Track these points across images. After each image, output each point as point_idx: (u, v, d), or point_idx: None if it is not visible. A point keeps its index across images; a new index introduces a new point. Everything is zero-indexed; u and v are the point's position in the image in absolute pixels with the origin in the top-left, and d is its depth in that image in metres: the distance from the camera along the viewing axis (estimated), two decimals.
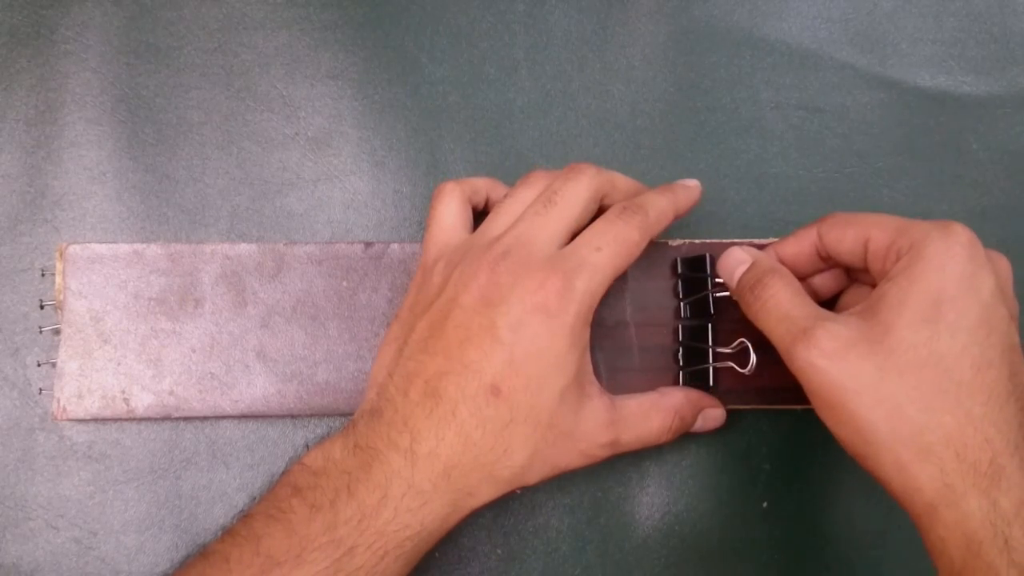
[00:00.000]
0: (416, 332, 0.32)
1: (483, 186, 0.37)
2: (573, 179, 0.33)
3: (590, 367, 0.33)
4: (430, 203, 0.36)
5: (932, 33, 0.44)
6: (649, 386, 0.37)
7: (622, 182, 0.35)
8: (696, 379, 0.36)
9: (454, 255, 0.33)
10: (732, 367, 0.36)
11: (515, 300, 0.30)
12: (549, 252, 0.32)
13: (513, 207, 0.34)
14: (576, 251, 0.32)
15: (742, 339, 0.37)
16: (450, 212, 0.35)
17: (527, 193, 0.34)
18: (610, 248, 0.32)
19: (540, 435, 0.31)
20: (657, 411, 0.34)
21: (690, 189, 0.36)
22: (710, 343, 0.36)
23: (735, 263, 0.34)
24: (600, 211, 0.34)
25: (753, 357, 0.36)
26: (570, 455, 0.32)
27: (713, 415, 0.36)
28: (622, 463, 0.39)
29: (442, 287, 0.32)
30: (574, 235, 0.33)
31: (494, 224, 0.34)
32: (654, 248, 0.38)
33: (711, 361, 0.36)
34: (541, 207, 0.33)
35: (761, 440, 0.39)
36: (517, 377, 0.30)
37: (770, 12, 0.43)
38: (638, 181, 0.36)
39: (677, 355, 0.37)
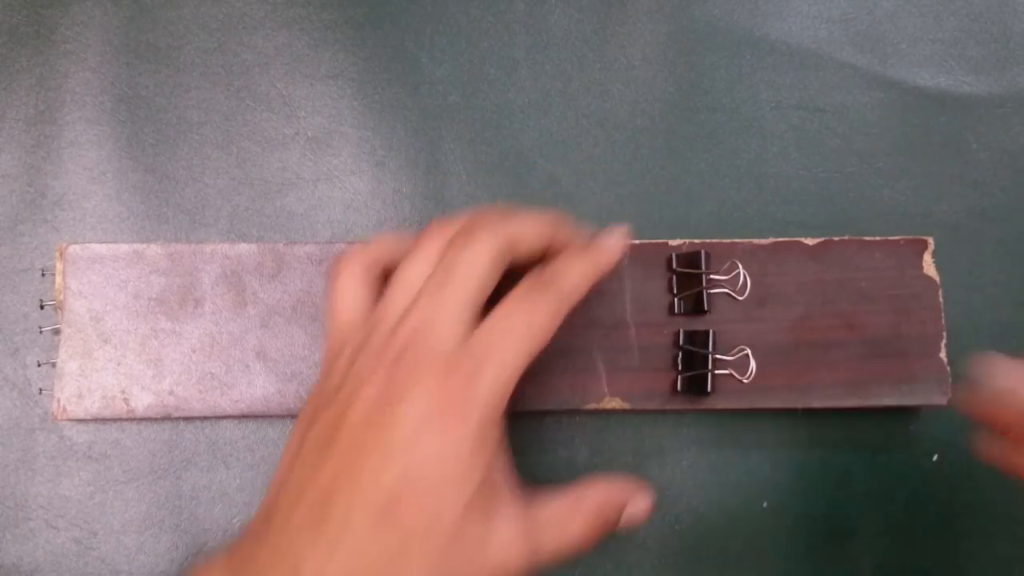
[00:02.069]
0: (313, 431, 0.29)
1: (386, 249, 0.33)
2: (469, 245, 0.30)
3: (502, 467, 0.30)
4: (330, 278, 0.33)
5: (932, 33, 0.44)
6: (648, 386, 0.37)
7: (529, 231, 0.31)
8: (694, 384, 0.36)
9: (354, 345, 0.30)
10: (731, 373, 0.36)
11: (412, 405, 0.28)
12: (451, 343, 0.29)
13: (410, 279, 0.31)
14: (479, 342, 0.29)
15: (743, 346, 0.37)
16: (348, 290, 0.32)
17: (420, 265, 0.31)
18: (517, 334, 0.29)
19: (439, 555, 0.27)
20: (577, 514, 0.30)
21: (612, 248, 0.33)
22: (711, 348, 0.36)
23: None
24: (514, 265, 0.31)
25: (753, 365, 0.37)
26: (480, 574, 0.28)
27: (638, 511, 0.32)
28: (621, 462, 0.39)
29: (340, 386, 0.29)
30: (483, 304, 0.30)
31: (391, 306, 0.31)
32: (655, 249, 0.38)
33: (711, 367, 0.36)
34: (436, 287, 0.29)
35: (761, 440, 0.39)
36: (414, 493, 0.27)
37: (770, 12, 0.43)
38: (548, 218, 0.32)
39: (677, 359, 0.37)
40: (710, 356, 0.36)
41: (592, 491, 0.31)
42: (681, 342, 0.37)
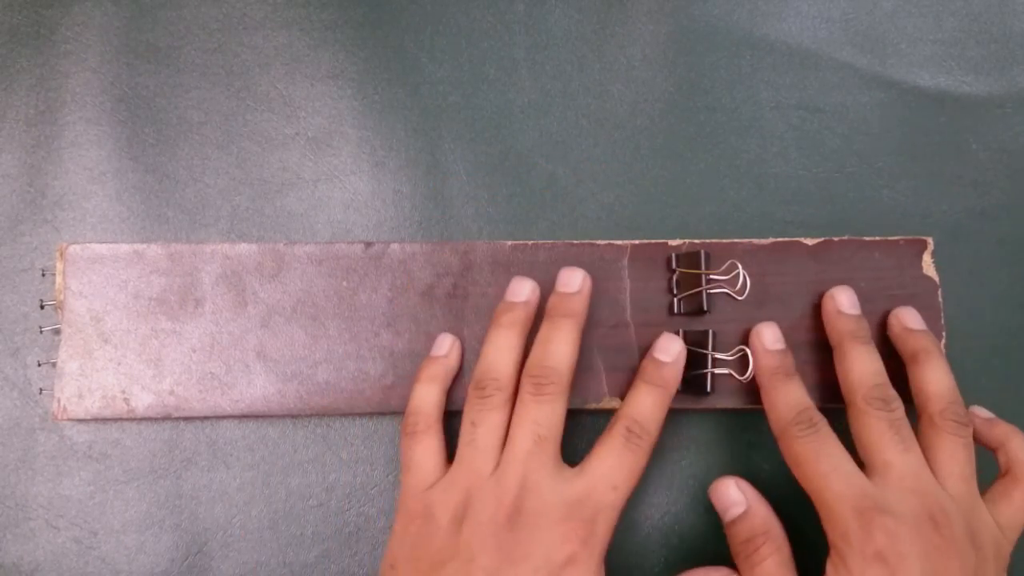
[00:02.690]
0: None
1: (438, 410, 0.35)
2: (547, 402, 0.32)
3: None
4: (401, 445, 0.34)
5: (932, 33, 0.44)
6: None
7: (572, 357, 0.34)
8: (694, 384, 0.36)
9: (455, 505, 0.31)
10: (730, 373, 0.36)
11: (541, 556, 0.30)
12: (562, 494, 0.31)
13: (487, 440, 0.32)
14: (591, 491, 0.31)
15: (742, 347, 0.37)
16: (430, 454, 0.33)
17: (493, 415, 0.33)
18: (624, 483, 0.32)
19: None
20: None
21: (675, 373, 0.35)
22: (710, 349, 0.36)
23: (728, 502, 0.34)
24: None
25: (752, 365, 0.37)
26: None
27: None
28: None
29: (453, 546, 0.30)
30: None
31: (476, 463, 0.32)
32: (655, 249, 0.38)
33: (710, 367, 0.36)
34: (533, 445, 0.31)
35: (761, 440, 0.39)
36: None
37: (770, 12, 0.43)
38: (572, 332, 0.34)
39: None
40: (710, 356, 0.36)
41: None
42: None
